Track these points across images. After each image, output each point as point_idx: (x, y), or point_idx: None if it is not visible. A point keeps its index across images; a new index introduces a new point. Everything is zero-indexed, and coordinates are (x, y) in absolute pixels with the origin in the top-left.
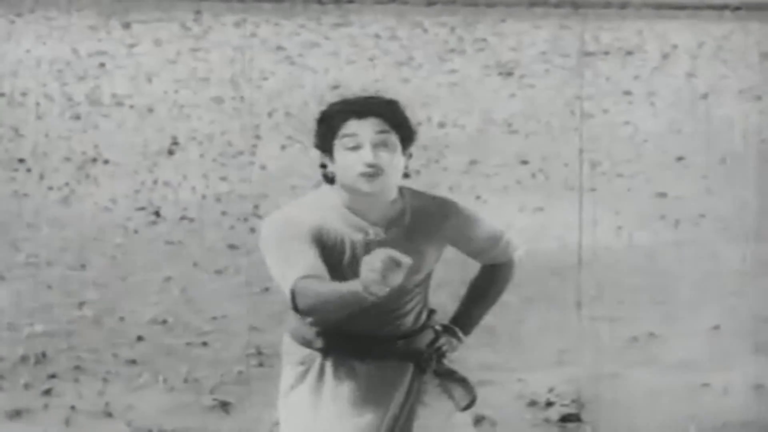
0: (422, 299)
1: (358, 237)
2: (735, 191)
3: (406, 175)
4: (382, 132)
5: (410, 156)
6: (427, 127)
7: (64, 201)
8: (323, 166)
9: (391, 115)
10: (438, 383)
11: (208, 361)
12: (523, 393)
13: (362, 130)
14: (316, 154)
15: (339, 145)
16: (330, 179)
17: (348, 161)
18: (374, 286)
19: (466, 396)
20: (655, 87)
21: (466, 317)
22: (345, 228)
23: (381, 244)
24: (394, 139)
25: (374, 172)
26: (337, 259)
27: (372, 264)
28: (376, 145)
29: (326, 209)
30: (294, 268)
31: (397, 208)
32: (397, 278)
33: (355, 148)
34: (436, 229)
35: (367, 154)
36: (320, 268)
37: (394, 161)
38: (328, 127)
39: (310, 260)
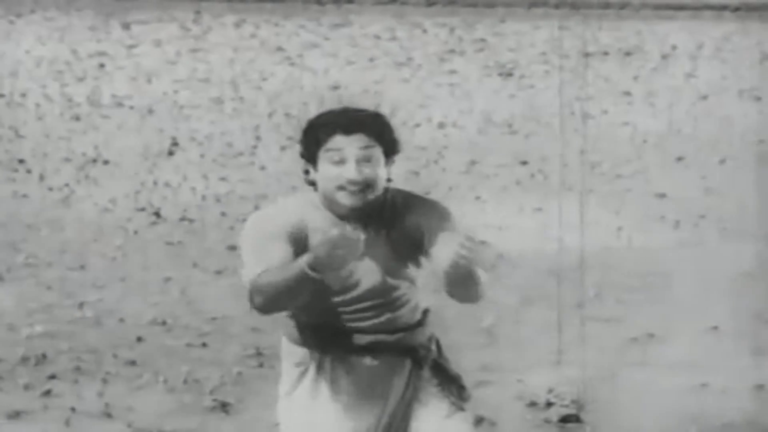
0: (415, 293)
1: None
2: (735, 191)
3: (389, 180)
4: (367, 147)
5: (393, 163)
6: (426, 127)
7: (64, 202)
8: (306, 172)
9: (376, 130)
10: (437, 383)
11: (208, 361)
12: (522, 393)
13: (348, 145)
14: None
15: (324, 157)
16: (313, 183)
17: (331, 174)
18: (323, 258)
19: (462, 394)
20: (655, 87)
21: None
22: (324, 229)
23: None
24: (378, 152)
25: (357, 188)
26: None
27: (323, 239)
28: (360, 161)
29: (307, 207)
30: (258, 265)
31: (378, 205)
32: (347, 254)
33: (340, 162)
34: (414, 225)
35: (350, 171)
36: (285, 262)
37: (377, 174)
38: (314, 139)
39: (277, 257)
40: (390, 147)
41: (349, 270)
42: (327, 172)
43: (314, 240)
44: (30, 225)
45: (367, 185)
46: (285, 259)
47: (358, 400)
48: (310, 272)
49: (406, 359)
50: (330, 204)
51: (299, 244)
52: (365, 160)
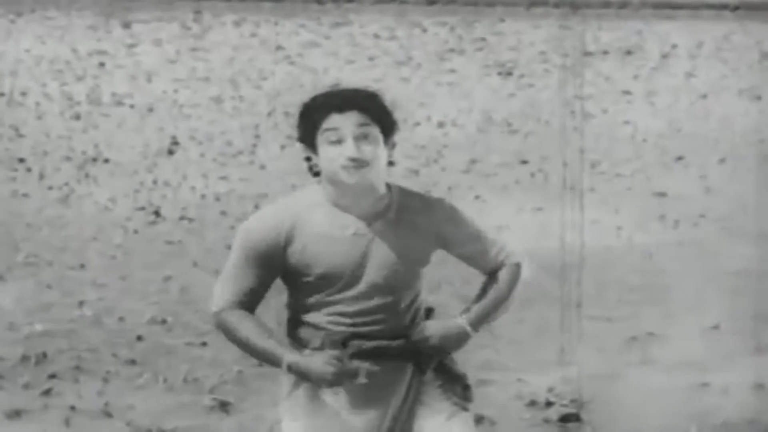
0: (416, 298)
1: (342, 233)
2: (735, 191)
3: (390, 163)
4: (363, 125)
5: (393, 146)
6: (426, 126)
7: (64, 200)
8: (308, 159)
9: (372, 108)
10: (440, 384)
11: (208, 360)
12: (522, 393)
13: (344, 124)
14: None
15: (322, 139)
16: (315, 172)
17: (331, 154)
18: (309, 376)
19: (466, 393)
20: (655, 86)
21: (473, 311)
22: (328, 224)
23: (365, 237)
24: (375, 131)
25: (358, 165)
26: (319, 254)
27: (325, 365)
28: (358, 139)
29: (309, 206)
30: (226, 290)
31: (384, 202)
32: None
33: (338, 141)
34: (422, 224)
35: (349, 148)
36: (250, 293)
37: (377, 153)
38: (311, 121)
39: (245, 285)
40: (387, 126)
41: (351, 271)
42: (327, 153)
43: (311, 243)
44: (30, 224)
45: (365, 163)
46: (250, 287)
47: (359, 405)
48: (285, 370)
49: (408, 364)
50: (334, 191)
51: (277, 257)
52: (363, 137)
